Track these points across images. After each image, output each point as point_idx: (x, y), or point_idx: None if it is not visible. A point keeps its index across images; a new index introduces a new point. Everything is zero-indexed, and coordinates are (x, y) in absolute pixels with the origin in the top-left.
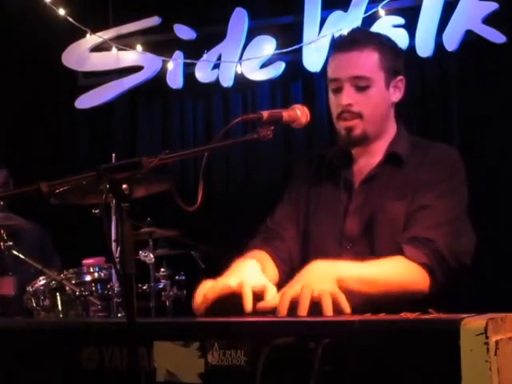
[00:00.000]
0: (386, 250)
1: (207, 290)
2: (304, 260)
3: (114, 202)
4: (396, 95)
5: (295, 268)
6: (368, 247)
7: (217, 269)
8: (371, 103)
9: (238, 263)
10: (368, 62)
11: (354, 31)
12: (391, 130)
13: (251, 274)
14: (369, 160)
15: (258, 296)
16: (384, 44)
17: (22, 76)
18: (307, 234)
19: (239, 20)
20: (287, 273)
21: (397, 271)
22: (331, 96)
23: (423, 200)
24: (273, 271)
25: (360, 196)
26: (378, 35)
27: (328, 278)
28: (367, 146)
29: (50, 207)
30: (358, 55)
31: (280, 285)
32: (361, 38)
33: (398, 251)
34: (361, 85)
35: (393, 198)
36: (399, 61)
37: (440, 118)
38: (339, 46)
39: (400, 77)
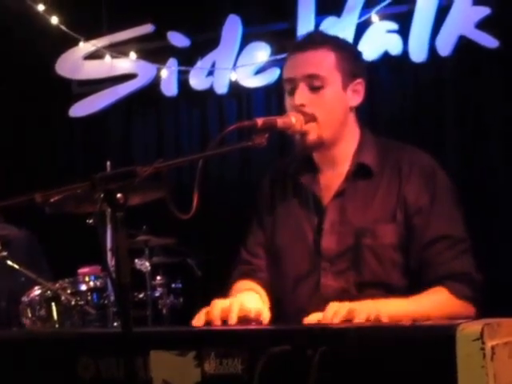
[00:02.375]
0: (375, 271)
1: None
2: (278, 285)
3: (109, 210)
4: (355, 99)
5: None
6: (352, 268)
7: (213, 276)
8: (325, 104)
9: (241, 294)
10: (323, 61)
11: (310, 33)
12: (354, 135)
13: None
14: (334, 170)
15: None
16: (341, 45)
17: (15, 85)
18: (278, 254)
19: (233, 27)
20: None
21: (444, 306)
22: (286, 98)
23: (435, 230)
24: (267, 301)
25: (333, 213)
26: (336, 37)
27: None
28: (327, 152)
29: (45, 216)
30: (313, 54)
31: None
32: (317, 38)
33: (433, 285)
34: (315, 84)
35: (379, 220)
36: (358, 63)
37: (434, 122)
38: (295, 46)
39: (359, 80)
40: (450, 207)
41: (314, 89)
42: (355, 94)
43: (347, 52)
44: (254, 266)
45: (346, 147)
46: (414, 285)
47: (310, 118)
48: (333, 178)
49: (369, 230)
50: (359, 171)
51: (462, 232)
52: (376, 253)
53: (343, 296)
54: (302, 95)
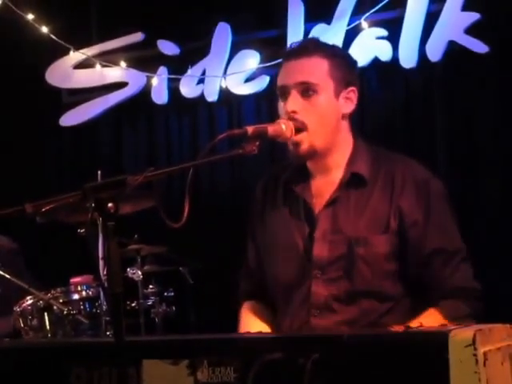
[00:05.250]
0: (368, 280)
1: None
2: (271, 293)
3: (100, 220)
4: (348, 106)
5: None
6: (344, 276)
7: (205, 284)
8: (318, 111)
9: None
10: (316, 68)
11: (304, 40)
12: (347, 143)
13: None
14: (327, 177)
15: None
16: (335, 53)
17: (5, 94)
18: (269, 263)
19: (223, 34)
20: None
21: None
22: (279, 104)
23: (430, 245)
24: (272, 317)
25: (325, 221)
26: (330, 45)
27: None
28: (320, 160)
29: (36, 226)
30: (306, 62)
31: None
32: (310, 46)
33: (432, 304)
34: (307, 91)
35: (371, 229)
36: (351, 72)
37: (424, 128)
38: (289, 54)
39: (352, 88)
40: (445, 218)
41: (307, 96)
42: (348, 102)
43: (341, 60)
44: (256, 283)
45: (339, 155)
46: (413, 294)
47: (301, 126)
48: (325, 185)
49: (361, 239)
50: (352, 180)
51: (457, 242)
52: (369, 262)
53: (334, 304)
54: (294, 102)
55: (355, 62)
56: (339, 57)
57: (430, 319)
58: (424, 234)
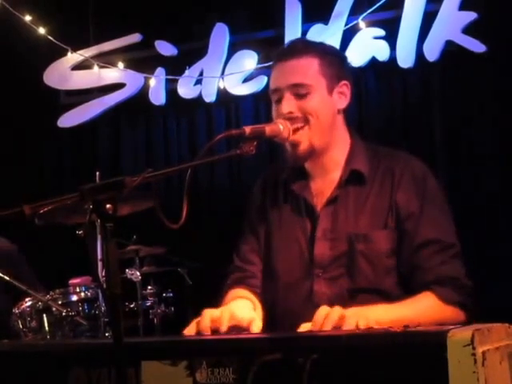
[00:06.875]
0: (369, 277)
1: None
2: (270, 291)
3: (98, 221)
4: (342, 101)
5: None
6: (346, 274)
7: (204, 285)
8: (313, 110)
9: (233, 303)
10: (307, 68)
11: (292, 41)
12: (344, 141)
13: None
14: (326, 176)
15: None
16: (324, 51)
17: (3, 95)
18: (271, 261)
19: (220, 35)
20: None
21: (432, 311)
22: (274, 109)
23: (424, 235)
24: (259, 308)
25: (326, 220)
26: (318, 43)
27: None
28: (319, 160)
29: (35, 227)
30: (297, 63)
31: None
32: (299, 46)
33: (421, 289)
34: (301, 92)
35: (371, 226)
36: (342, 66)
37: (422, 128)
38: (278, 56)
39: (344, 82)
40: (440, 213)
41: (300, 96)
42: (342, 97)
43: (330, 56)
44: (247, 273)
45: (337, 153)
46: (406, 290)
47: (301, 121)
48: (324, 184)
49: (362, 236)
50: (351, 177)
51: (451, 237)
52: (369, 259)
53: (336, 303)
54: (288, 103)
55: (345, 57)
56: (328, 54)
57: (427, 301)
58: (418, 225)
